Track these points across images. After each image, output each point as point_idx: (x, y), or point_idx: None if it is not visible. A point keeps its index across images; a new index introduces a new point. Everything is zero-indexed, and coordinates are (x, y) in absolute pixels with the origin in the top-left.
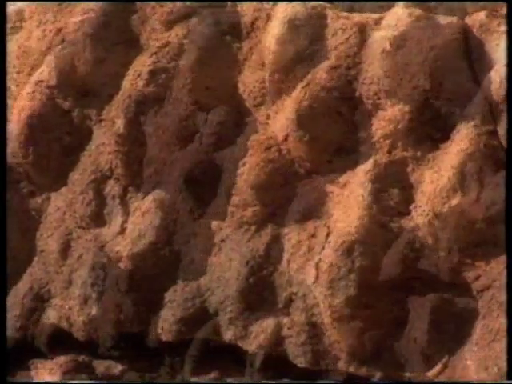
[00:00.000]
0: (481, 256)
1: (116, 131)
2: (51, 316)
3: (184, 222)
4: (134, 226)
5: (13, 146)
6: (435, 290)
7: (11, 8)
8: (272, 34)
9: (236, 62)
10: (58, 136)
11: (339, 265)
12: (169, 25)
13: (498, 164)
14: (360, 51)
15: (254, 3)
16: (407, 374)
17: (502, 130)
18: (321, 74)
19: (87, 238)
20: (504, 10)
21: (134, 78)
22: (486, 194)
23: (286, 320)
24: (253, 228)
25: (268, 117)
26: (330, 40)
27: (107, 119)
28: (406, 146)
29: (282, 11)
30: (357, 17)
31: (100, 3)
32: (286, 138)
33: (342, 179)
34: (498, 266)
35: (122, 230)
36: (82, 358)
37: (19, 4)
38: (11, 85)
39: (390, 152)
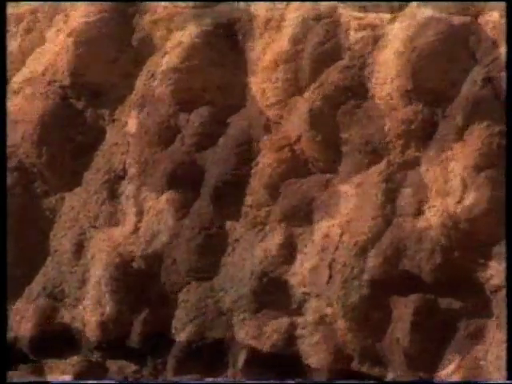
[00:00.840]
0: (493, 256)
1: (129, 131)
2: (65, 316)
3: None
4: (148, 225)
5: (26, 145)
6: (442, 291)
7: (24, 8)
8: (285, 34)
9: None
10: (71, 136)
11: (352, 265)
12: (181, 25)
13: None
14: (373, 51)
15: (267, 3)
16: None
17: (484, 130)
18: (334, 74)
19: (101, 237)
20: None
21: (147, 78)
22: (499, 194)
23: (299, 320)
24: (266, 228)
25: (281, 117)
26: (343, 40)
27: (120, 119)
28: (419, 146)
29: (295, 11)
30: (370, 17)
31: (111, 3)
32: (298, 138)
33: (356, 179)
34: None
35: (136, 230)
36: (94, 357)
37: (33, 4)
38: (24, 85)
39: (403, 152)
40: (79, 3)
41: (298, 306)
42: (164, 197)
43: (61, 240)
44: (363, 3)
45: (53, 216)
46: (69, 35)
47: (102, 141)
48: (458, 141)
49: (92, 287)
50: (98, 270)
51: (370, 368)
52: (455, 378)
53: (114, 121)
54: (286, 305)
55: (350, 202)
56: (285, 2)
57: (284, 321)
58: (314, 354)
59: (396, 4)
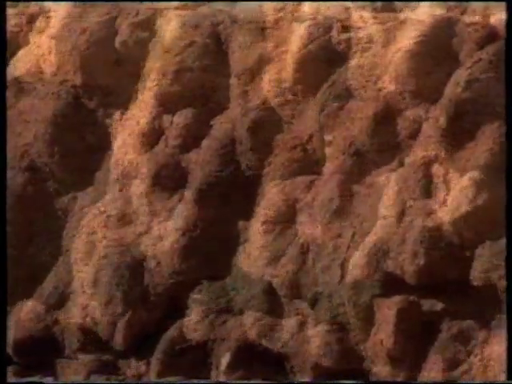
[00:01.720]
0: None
1: (140, 130)
2: (76, 315)
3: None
4: (161, 225)
5: (38, 145)
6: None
7: (34, 8)
8: (296, 34)
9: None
10: (83, 135)
11: (365, 265)
12: (195, 24)
13: None
14: (384, 51)
15: (275, 3)
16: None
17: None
18: (345, 73)
19: (112, 237)
20: None
21: (160, 78)
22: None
23: (311, 319)
24: (277, 228)
25: (293, 116)
26: (353, 39)
27: (131, 118)
28: (431, 145)
29: (305, 11)
30: (381, 17)
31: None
32: (310, 138)
33: (368, 179)
34: None
35: (148, 230)
36: (106, 357)
37: (46, 4)
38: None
39: (414, 151)
40: (90, 3)
41: (309, 305)
42: (176, 197)
43: (73, 239)
44: (374, 3)
45: (65, 216)
46: (81, 34)
47: (114, 140)
48: (471, 140)
49: (103, 287)
50: (109, 270)
51: (382, 368)
52: (466, 379)
53: (125, 120)
54: (297, 304)
55: (363, 202)
56: (295, 2)
57: (295, 320)
58: (325, 353)
59: (379, 4)
